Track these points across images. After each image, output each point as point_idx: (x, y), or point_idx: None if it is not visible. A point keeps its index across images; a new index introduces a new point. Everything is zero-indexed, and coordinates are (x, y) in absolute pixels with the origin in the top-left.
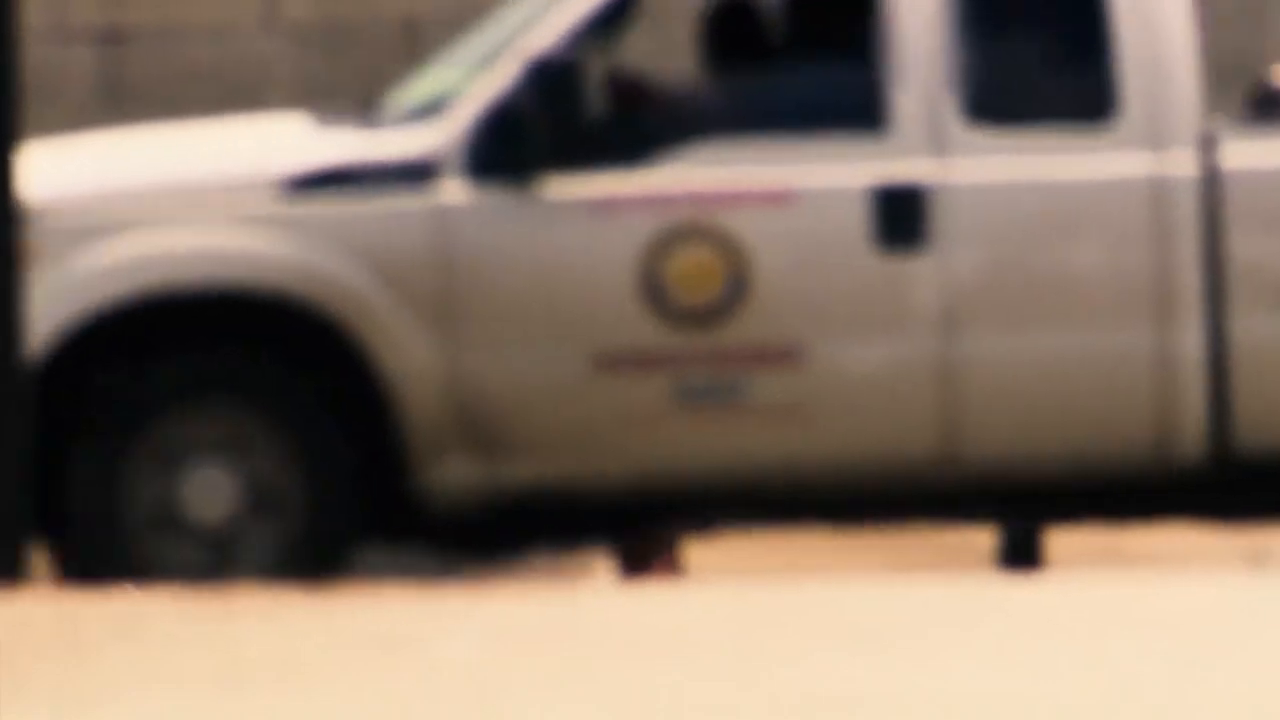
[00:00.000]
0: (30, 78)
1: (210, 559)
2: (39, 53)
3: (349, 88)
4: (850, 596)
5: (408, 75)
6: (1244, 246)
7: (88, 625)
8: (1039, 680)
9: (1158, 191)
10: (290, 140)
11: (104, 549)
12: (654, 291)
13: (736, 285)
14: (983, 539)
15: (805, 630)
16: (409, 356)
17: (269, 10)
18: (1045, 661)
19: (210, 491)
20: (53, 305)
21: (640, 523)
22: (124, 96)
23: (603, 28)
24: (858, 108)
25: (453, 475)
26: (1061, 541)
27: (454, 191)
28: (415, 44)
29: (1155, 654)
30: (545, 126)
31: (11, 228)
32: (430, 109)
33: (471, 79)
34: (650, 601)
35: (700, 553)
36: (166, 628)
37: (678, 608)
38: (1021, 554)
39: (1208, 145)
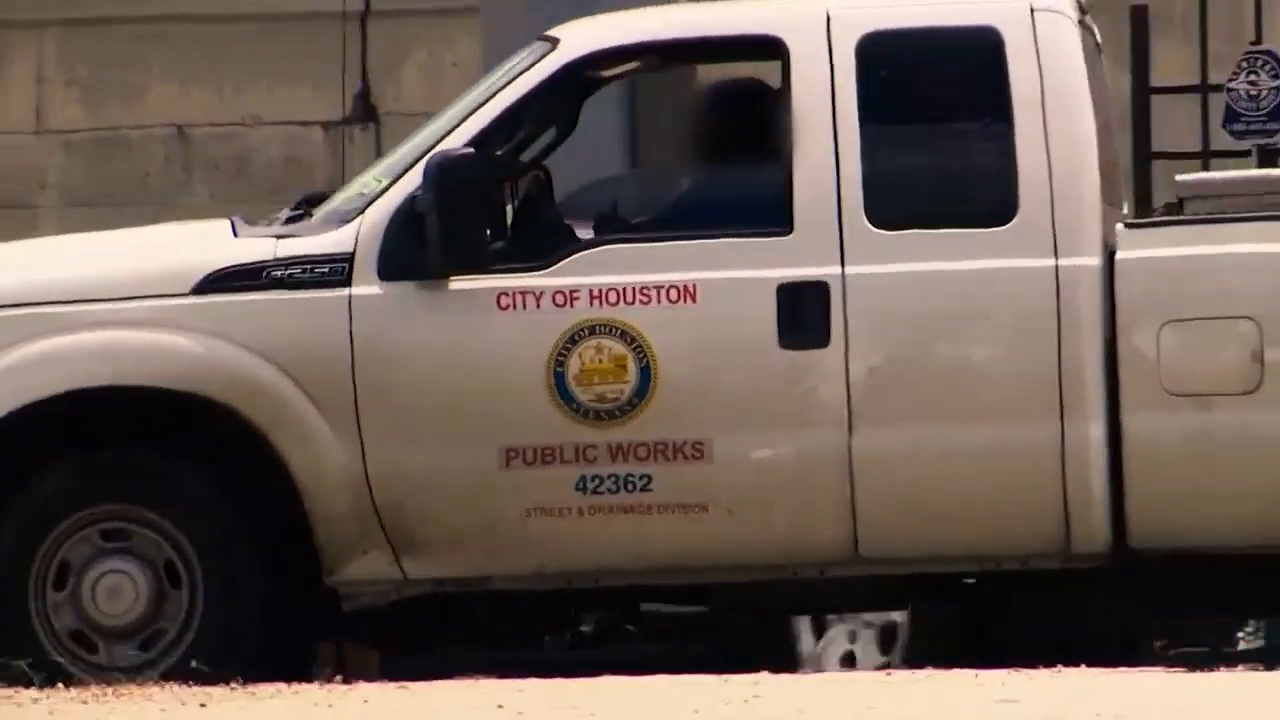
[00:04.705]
0: None
1: (115, 653)
2: None
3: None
4: None
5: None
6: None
7: None
8: None
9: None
10: (209, 242)
11: (10, 640)
12: (561, 386)
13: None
14: None
15: None
16: (319, 453)
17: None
18: None
19: (115, 588)
20: None
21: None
22: None
23: (508, 133)
24: (764, 210)
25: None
26: None
27: (365, 290)
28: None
29: None
30: (450, 229)
31: None
32: (347, 213)
33: (384, 184)
34: None
35: None
36: None
37: None
38: None
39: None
